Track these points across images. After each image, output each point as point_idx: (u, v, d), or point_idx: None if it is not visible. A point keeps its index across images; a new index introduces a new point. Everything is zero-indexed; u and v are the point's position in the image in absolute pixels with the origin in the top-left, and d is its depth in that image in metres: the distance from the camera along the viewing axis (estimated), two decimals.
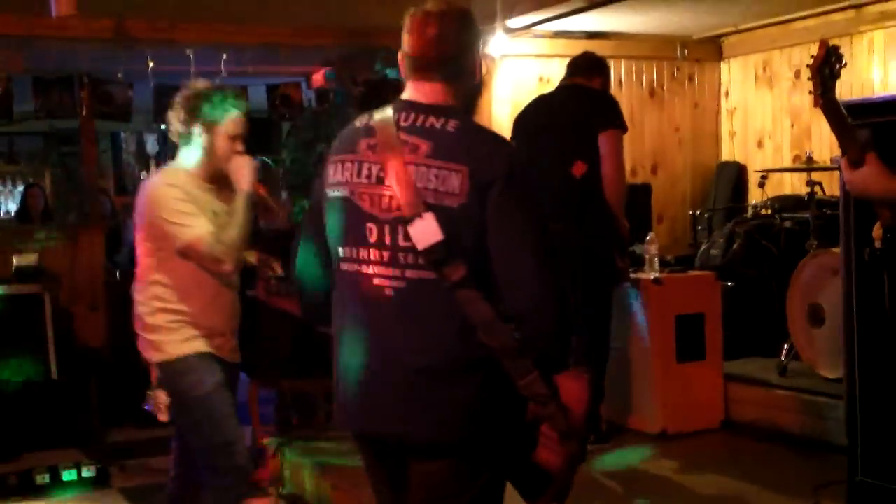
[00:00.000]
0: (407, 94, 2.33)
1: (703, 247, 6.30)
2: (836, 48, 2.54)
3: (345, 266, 2.31)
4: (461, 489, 2.25)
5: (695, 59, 7.57)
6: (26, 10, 5.89)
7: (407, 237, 2.18)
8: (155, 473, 5.57)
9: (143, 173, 11.61)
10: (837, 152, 2.70)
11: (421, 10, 2.30)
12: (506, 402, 2.19)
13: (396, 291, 2.21)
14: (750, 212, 6.42)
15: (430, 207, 2.15)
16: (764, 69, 7.25)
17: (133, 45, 6.68)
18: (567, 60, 7.09)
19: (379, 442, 2.35)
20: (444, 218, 2.15)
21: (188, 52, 6.95)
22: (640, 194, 6.66)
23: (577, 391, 2.20)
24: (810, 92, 2.60)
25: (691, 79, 7.61)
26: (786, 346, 5.41)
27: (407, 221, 2.17)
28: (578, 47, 7.05)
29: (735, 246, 5.97)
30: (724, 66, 7.64)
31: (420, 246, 2.15)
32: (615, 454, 4.82)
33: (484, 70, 2.40)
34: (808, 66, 2.58)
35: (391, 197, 2.20)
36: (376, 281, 2.24)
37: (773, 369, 5.42)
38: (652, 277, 5.19)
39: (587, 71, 5.11)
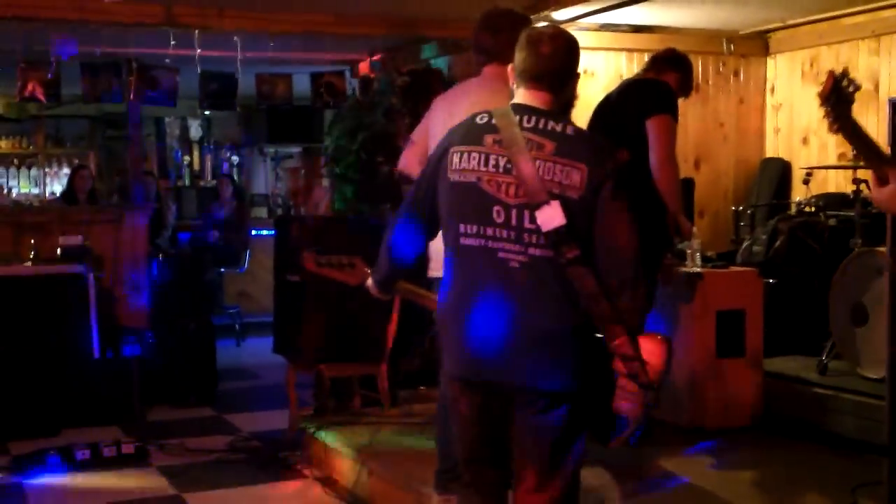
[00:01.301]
0: (521, 99, 2.73)
1: (746, 243, 6.26)
2: (843, 75, 2.62)
3: (467, 241, 2.70)
4: (570, 429, 2.69)
5: (741, 54, 7.50)
6: None
7: (532, 220, 2.59)
8: (193, 453, 5.64)
9: (186, 158, 11.73)
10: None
11: (536, 31, 2.76)
12: (602, 358, 2.61)
13: (521, 264, 2.62)
14: (793, 209, 6.36)
15: (554, 196, 2.57)
16: (811, 65, 7.18)
17: (181, 31, 6.74)
18: (611, 54, 7.14)
19: (492, 390, 2.72)
20: (566, 206, 2.57)
21: (235, 38, 7.01)
22: (683, 189, 6.59)
23: (656, 351, 2.62)
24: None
25: (737, 74, 7.55)
26: (827, 345, 5.36)
27: (534, 207, 2.57)
28: (624, 41, 7.05)
29: (778, 243, 5.92)
30: (770, 61, 7.57)
31: (545, 228, 2.56)
32: (653, 448, 4.80)
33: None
34: (817, 94, 2.64)
35: (517, 185, 2.62)
36: (501, 255, 2.64)
37: (814, 368, 5.38)
38: (694, 272, 5.16)
39: (660, 65, 5.01)
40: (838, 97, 2.59)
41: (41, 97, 7.31)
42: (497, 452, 2.82)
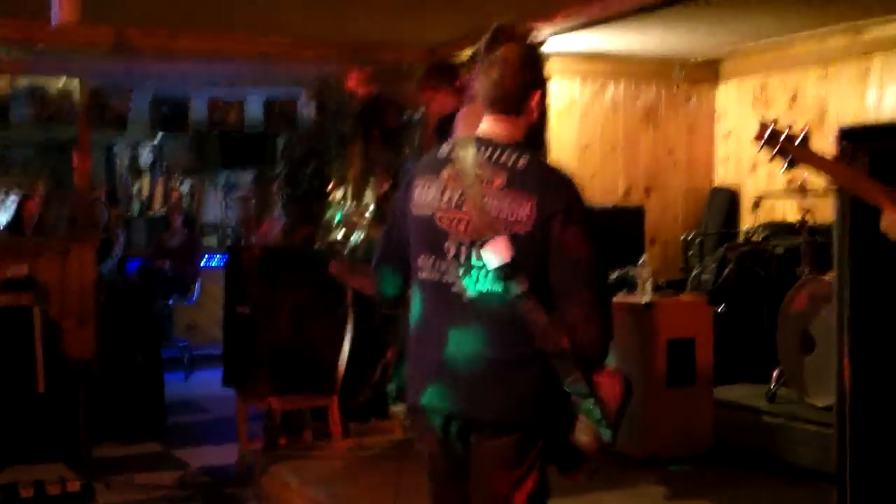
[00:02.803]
0: (482, 129, 2.72)
1: (695, 271, 6.30)
2: (773, 122, 2.69)
3: (424, 274, 2.73)
4: (518, 460, 2.65)
5: (692, 81, 7.57)
6: (26, 14, 5.86)
7: (480, 256, 2.59)
8: (141, 489, 5.55)
9: (136, 186, 11.58)
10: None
11: (489, 57, 2.69)
12: (555, 391, 2.60)
13: (471, 300, 2.63)
14: (742, 237, 6.41)
15: (500, 233, 2.56)
16: (761, 91, 7.24)
17: (133, 54, 6.66)
18: (564, 81, 7.16)
19: (448, 419, 2.71)
20: (514, 241, 2.56)
21: (186, 63, 6.95)
22: (634, 216, 6.66)
23: (612, 388, 2.61)
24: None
25: (687, 100, 7.61)
26: (775, 373, 5.39)
27: (481, 243, 2.57)
28: (576, 67, 7.09)
29: (727, 271, 5.97)
30: (721, 88, 7.64)
31: (491, 265, 2.57)
32: (604, 479, 4.78)
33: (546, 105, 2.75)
34: (753, 139, 2.73)
35: (468, 221, 2.62)
36: (454, 289, 2.65)
37: (763, 396, 5.40)
38: (644, 301, 5.17)
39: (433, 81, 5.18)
40: (776, 143, 2.66)
41: None
42: (461, 494, 2.77)
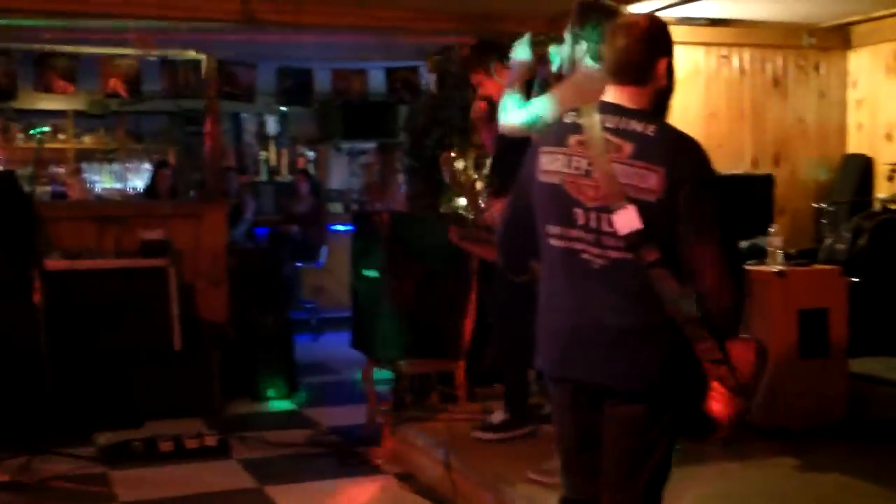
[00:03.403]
0: (608, 97, 2.70)
1: (828, 241, 6.15)
2: None
3: (553, 241, 2.71)
4: (647, 428, 2.66)
5: (821, 47, 7.37)
6: None
7: (610, 223, 2.58)
8: (273, 447, 5.72)
9: (263, 154, 11.88)
10: None
11: (613, 24, 2.74)
12: (686, 359, 2.59)
13: (601, 266, 2.62)
14: (877, 206, 6.24)
15: (631, 200, 2.54)
16: (895, 59, 7.02)
17: (259, 27, 6.81)
18: (688, 48, 7.05)
19: (577, 386, 2.74)
20: (643, 209, 2.54)
21: (312, 34, 7.07)
22: (762, 185, 6.53)
23: (746, 356, 2.59)
24: None
25: (817, 68, 7.41)
26: None
27: (611, 211, 2.57)
28: (702, 35, 6.97)
29: (861, 241, 5.82)
30: (852, 55, 7.42)
31: (621, 232, 2.56)
32: (732, 449, 4.75)
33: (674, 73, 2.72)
34: None
35: (596, 188, 2.60)
36: (584, 256, 2.65)
37: None
38: (775, 270, 5.09)
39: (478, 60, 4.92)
40: None
41: (123, 93, 7.45)
42: (590, 459, 2.80)
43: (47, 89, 7.21)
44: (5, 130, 10.73)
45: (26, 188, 6.35)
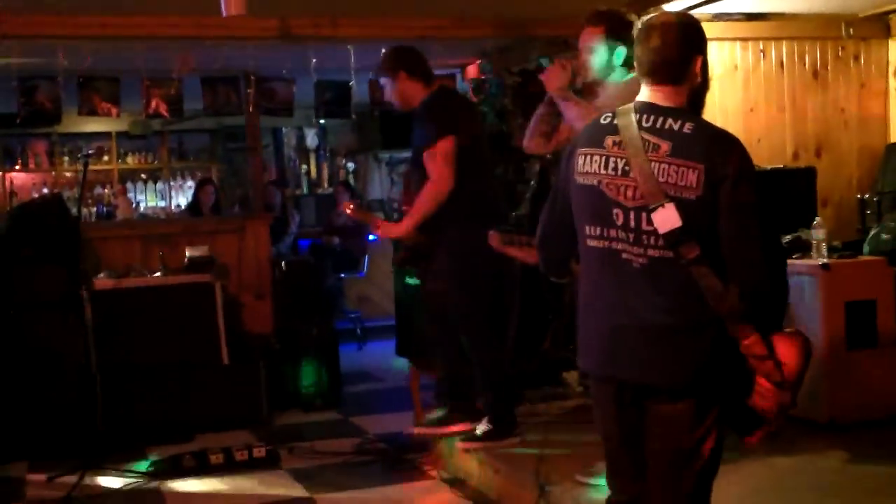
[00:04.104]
0: (644, 97, 2.72)
1: (873, 231, 6.07)
2: None
3: (593, 242, 2.73)
4: (694, 425, 2.65)
5: (860, 37, 7.29)
6: (196, 11, 6.15)
7: (649, 222, 2.59)
8: (322, 456, 5.76)
9: (304, 167, 11.97)
10: None
11: (647, 23, 2.72)
12: (730, 355, 2.58)
13: (642, 265, 2.64)
14: None
15: (670, 198, 2.56)
16: None
17: (296, 43, 6.88)
18: (724, 44, 7.01)
19: (621, 386, 2.74)
20: (683, 207, 2.55)
21: (348, 47, 7.12)
22: (804, 178, 6.46)
23: (791, 349, 2.59)
24: None
25: (857, 58, 7.33)
26: None
27: (650, 210, 2.58)
28: (738, 30, 6.93)
29: None
30: (892, 43, 7.33)
31: (661, 230, 2.57)
32: (780, 443, 4.70)
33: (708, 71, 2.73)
34: None
35: (635, 188, 2.62)
36: (624, 256, 2.66)
37: None
38: (820, 263, 5.04)
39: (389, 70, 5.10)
40: None
41: (165, 113, 7.54)
42: (635, 458, 2.79)
43: (91, 112, 7.31)
44: (51, 154, 10.90)
45: (73, 210, 6.42)
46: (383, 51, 5.36)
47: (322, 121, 10.90)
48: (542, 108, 4.50)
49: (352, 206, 5.63)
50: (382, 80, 5.15)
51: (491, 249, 4.54)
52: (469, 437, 5.03)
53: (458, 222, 4.88)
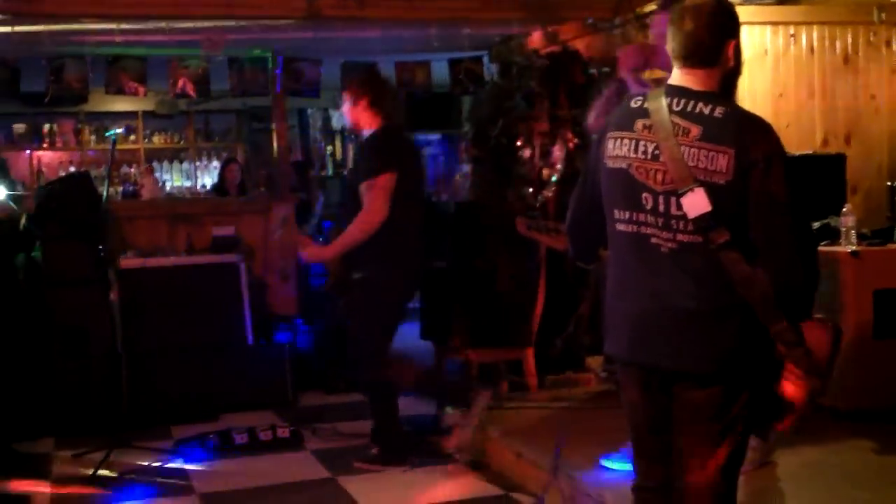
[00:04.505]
0: (675, 80, 2.70)
1: None
2: None
3: (621, 227, 2.72)
4: (720, 412, 2.65)
5: (893, 22, 7.20)
6: None
7: (679, 206, 2.57)
8: (345, 437, 5.78)
9: (329, 148, 11.97)
10: None
11: (681, 6, 2.68)
12: (759, 342, 2.57)
13: (671, 250, 2.62)
14: None
15: (699, 183, 2.54)
16: None
17: (323, 24, 6.87)
18: (754, 28, 6.94)
19: (650, 371, 2.73)
20: (712, 192, 2.53)
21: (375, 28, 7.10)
22: (834, 164, 6.40)
23: (820, 337, 2.58)
24: None
25: (888, 44, 7.24)
26: None
27: (679, 194, 2.56)
28: (767, 14, 6.86)
29: None
30: None
31: (690, 215, 2.55)
32: (806, 431, 4.67)
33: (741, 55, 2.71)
34: None
35: (665, 172, 2.60)
36: (653, 240, 2.64)
37: None
38: (849, 250, 5.00)
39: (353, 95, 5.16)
40: None
41: (192, 93, 7.56)
42: (662, 444, 2.79)
43: (118, 91, 7.33)
44: (78, 133, 10.95)
45: (100, 189, 6.46)
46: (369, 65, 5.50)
47: None
48: (611, 88, 4.47)
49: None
50: (344, 96, 5.18)
51: (400, 288, 4.62)
52: (365, 456, 5.19)
53: (375, 261, 4.94)
